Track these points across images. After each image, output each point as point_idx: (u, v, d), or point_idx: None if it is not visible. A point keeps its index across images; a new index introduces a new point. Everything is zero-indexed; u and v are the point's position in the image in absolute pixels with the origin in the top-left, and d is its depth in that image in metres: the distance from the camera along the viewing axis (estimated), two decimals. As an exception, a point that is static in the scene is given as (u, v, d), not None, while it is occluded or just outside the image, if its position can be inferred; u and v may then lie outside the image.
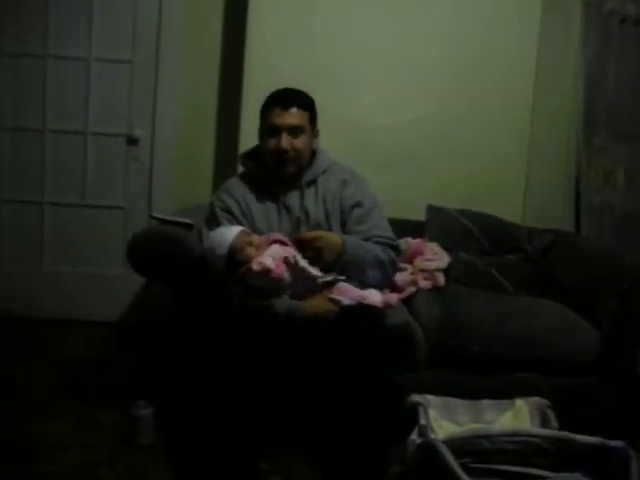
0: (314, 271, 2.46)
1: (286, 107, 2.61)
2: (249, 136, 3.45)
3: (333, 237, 2.53)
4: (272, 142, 2.62)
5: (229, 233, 2.46)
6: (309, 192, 2.67)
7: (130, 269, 3.91)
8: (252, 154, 2.77)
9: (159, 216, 2.75)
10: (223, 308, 2.43)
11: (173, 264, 2.51)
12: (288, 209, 2.65)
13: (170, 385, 2.80)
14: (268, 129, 2.64)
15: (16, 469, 2.42)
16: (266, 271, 2.38)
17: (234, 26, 3.81)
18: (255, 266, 2.38)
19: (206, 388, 2.34)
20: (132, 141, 3.96)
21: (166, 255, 2.52)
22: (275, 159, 2.62)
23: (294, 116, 2.61)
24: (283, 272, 2.40)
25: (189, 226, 2.71)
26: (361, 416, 2.25)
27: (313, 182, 2.69)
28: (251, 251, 2.43)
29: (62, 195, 4.06)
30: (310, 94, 2.73)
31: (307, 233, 2.52)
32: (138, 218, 3.96)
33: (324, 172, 2.71)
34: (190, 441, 2.60)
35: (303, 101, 2.66)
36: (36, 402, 2.96)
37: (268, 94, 2.70)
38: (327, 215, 2.65)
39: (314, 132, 2.72)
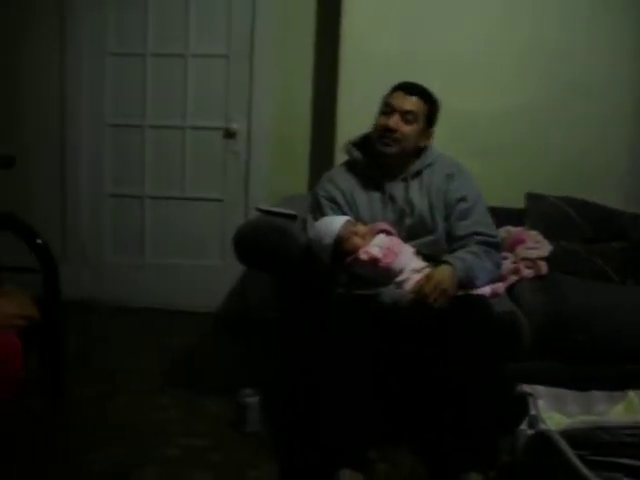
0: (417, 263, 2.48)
1: (408, 93, 2.66)
2: (345, 127, 3.51)
3: (442, 273, 2.44)
4: (383, 119, 2.66)
5: (335, 222, 2.49)
6: (414, 184, 2.67)
7: (227, 260, 4.06)
8: (358, 143, 2.78)
9: (263, 208, 2.79)
10: (328, 297, 2.46)
11: (278, 255, 2.55)
12: (393, 200, 2.65)
13: (275, 373, 2.85)
14: (384, 107, 2.68)
15: (137, 452, 2.53)
16: (374, 260, 2.40)
17: (328, 16, 3.81)
18: (363, 255, 2.41)
19: (313, 377, 2.38)
20: (229, 134, 4.03)
21: (272, 246, 2.56)
22: (380, 135, 2.65)
23: (411, 102, 2.64)
24: (391, 261, 2.41)
25: (293, 217, 2.75)
26: (470, 405, 2.25)
27: (418, 174, 2.69)
28: (357, 241, 2.45)
29: (162, 188, 4.18)
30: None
31: (426, 289, 2.40)
32: (236, 210, 4.05)
33: (430, 165, 2.71)
34: (296, 429, 2.64)
35: (426, 95, 2.69)
36: (145, 391, 3.06)
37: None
38: (431, 208, 2.64)
39: (428, 129, 2.71)
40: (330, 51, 3.73)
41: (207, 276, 4.13)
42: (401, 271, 2.44)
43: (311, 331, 2.48)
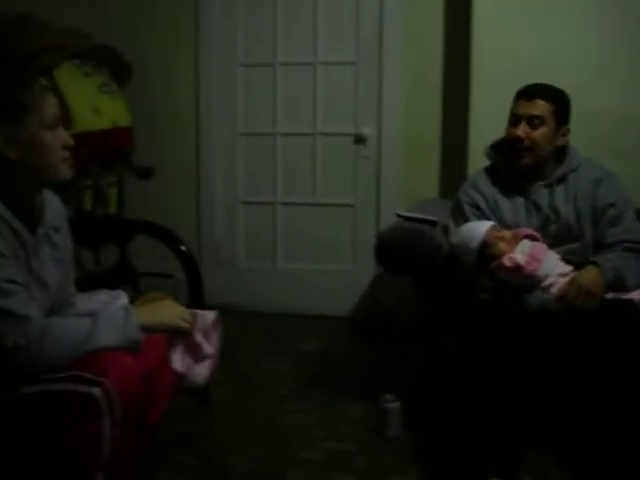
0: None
1: (529, 98, 2.59)
2: (479, 130, 3.46)
3: (587, 275, 2.39)
4: (511, 130, 2.62)
5: (480, 228, 2.47)
6: (559, 190, 2.60)
7: (359, 264, 4.08)
8: (499, 146, 2.74)
9: (404, 214, 2.80)
10: (472, 302, 2.44)
11: (421, 261, 2.54)
12: (537, 206, 2.60)
13: (415, 378, 2.84)
14: (510, 119, 2.64)
15: (281, 455, 2.59)
16: (517, 267, 2.36)
17: (457, 20, 3.79)
18: (507, 262, 2.38)
19: (458, 383, 2.36)
20: (360, 140, 4.05)
21: (415, 252, 2.56)
22: (511, 148, 2.61)
23: (535, 107, 2.58)
24: (534, 269, 2.37)
25: (433, 222, 2.74)
26: (624, 414, 2.17)
27: (563, 179, 2.62)
28: (502, 246, 2.42)
29: (293, 195, 4.25)
30: (541, 81, 2.68)
31: (570, 294, 2.36)
32: (367, 215, 4.08)
33: (575, 169, 2.62)
34: (440, 435, 2.63)
35: (549, 94, 2.61)
36: (283, 395, 3.11)
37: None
38: (578, 214, 2.56)
39: (560, 128, 2.62)
40: (460, 52, 3.68)
41: (338, 281, 4.17)
42: (546, 276, 2.39)
43: (454, 336, 2.46)
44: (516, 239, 2.45)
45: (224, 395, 3.08)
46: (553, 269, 2.42)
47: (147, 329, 1.84)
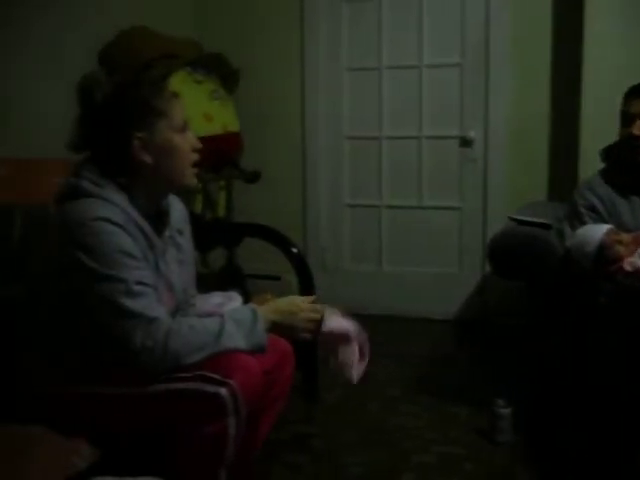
0: None
1: None
2: (590, 130, 3.41)
3: None
4: (625, 131, 2.58)
5: (598, 231, 2.42)
6: None
7: (465, 268, 4.05)
8: (612, 149, 2.70)
9: (517, 217, 2.77)
10: (590, 307, 2.39)
11: (537, 265, 2.51)
12: None
13: (527, 382, 2.81)
14: (622, 118, 2.60)
15: (394, 457, 2.60)
16: (638, 272, 2.30)
17: (566, 17, 3.72)
18: (627, 266, 2.32)
19: (575, 386, 2.32)
20: (466, 142, 4.03)
21: (530, 256, 2.52)
22: (626, 147, 2.57)
23: None
24: None
25: (547, 226, 2.70)
26: None
27: None
28: (621, 249, 2.37)
29: (399, 198, 4.25)
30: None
31: None
32: (474, 218, 4.04)
33: None
34: (549, 439, 2.58)
35: None
36: (392, 397, 3.12)
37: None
38: None
39: None
40: (569, 52, 3.62)
41: (444, 284, 4.15)
42: None
43: (567, 339, 2.42)
44: (636, 242, 2.39)
45: (334, 397, 3.12)
46: None
47: (273, 330, 1.87)
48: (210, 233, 3.57)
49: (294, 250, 2.94)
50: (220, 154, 3.73)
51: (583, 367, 2.31)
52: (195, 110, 3.61)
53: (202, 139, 3.54)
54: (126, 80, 1.88)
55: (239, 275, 3.99)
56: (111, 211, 1.73)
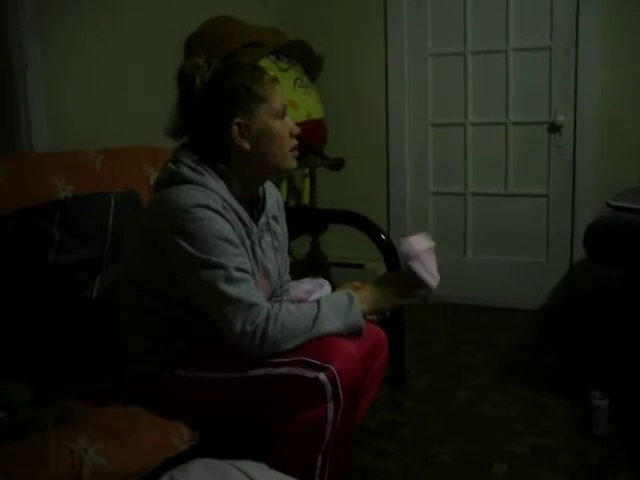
0: None
1: None
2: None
3: None
4: None
5: None
6: None
7: (553, 256, 3.97)
8: None
9: (615, 203, 2.68)
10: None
11: (636, 252, 2.42)
12: None
13: (618, 373, 2.73)
14: None
15: (484, 447, 2.57)
16: None
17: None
18: None
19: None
20: (554, 128, 3.92)
21: (629, 243, 2.44)
22: None
23: None
24: None
25: (647, 213, 2.61)
26: None
27: None
28: None
29: (484, 185, 4.18)
30: None
31: None
32: (562, 206, 3.94)
33: None
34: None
35: None
36: (480, 386, 3.08)
37: None
38: None
39: None
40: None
41: (531, 273, 4.06)
42: None
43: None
44: None
45: (422, 385, 3.11)
46: None
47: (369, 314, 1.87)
48: (295, 220, 3.57)
49: (383, 237, 2.92)
50: (305, 142, 3.72)
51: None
52: (280, 98, 3.63)
53: (287, 127, 3.63)
54: (226, 65, 1.88)
55: (324, 263, 3.99)
56: (210, 198, 1.74)
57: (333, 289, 3.01)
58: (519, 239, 4.10)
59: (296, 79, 3.80)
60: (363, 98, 4.33)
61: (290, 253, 4.49)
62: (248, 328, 1.69)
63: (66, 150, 2.58)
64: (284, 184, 4.00)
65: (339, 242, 4.09)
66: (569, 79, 3.86)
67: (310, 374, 1.69)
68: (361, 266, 4.19)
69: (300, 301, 2.42)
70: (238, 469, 1.57)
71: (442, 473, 2.40)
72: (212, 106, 1.80)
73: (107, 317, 1.99)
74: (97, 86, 3.02)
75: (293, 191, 4.32)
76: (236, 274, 1.70)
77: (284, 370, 1.72)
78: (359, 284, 2.83)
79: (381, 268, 2.99)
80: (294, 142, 1.88)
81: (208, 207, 1.72)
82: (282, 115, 1.85)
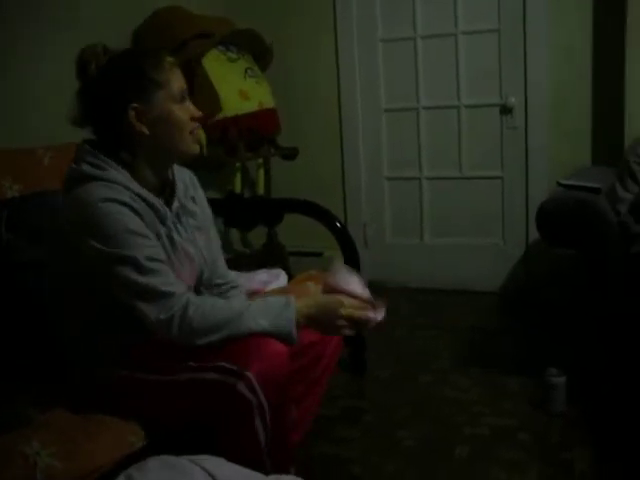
0: None
1: None
2: (636, 92, 3.30)
3: None
4: None
5: None
6: None
7: (509, 238, 4.00)
8: None
9: (565, 182, 2.70)
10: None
11: (587, 230, 2.45)
12: None
13: (579, 353, 2.77)
14: None
15: (446, 430, 2.58)
16: None
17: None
18: None
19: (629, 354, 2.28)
20: (506, 110, 3.94)
21: (580, 222, 2.46)
22: None
23: None
24: None
25: (597, 190, 2.63)
26: None
27: None
28: None
29: (439, 169, 4.19)
30: None
31: None
32: (516, 187, 3.97)
33: None
34: (605, 409, 2.54)
35: None
36: (441, 370, 3.10)
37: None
38: None
39: None
40: (612, 13, 3.51)
41: (488, 255, 4.09)
42: None
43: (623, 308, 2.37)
44: None
45: (383, 371, 3.11)
46: None
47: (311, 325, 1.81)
48: (250, 211, 3.56)
49: (338, 225, 2.91)
50: (257, 132, 3.71)
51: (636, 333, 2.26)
52: (231, 88, 3.59)
53: (238, 117, 3.61)
54: (121, 51, 1.84)
55: (281, 253, 3.97)
56: (115, 191, 1.71)
57: (291, 278, 3.02)
58: (475, 222, 4.12)
59: (246, 69, 3.76)
60: (315, 86, 4.31)
61: (247, 244, 4.49)
62: (162, 317, 1.67)
63: (12, 148, 2.52)
64: (238, 175, 3.97)
65: (298, 231, 4.06)
66: (519, 61, 3.87)
67: (230, 381, 1.65)
68: (320, 254, 4.18)
69: (256, 292, 2.41)
70: (195, 463, 1.55)
71: (404, 458, 2.41)
72: (107, 92, 1.77)
73: (55, 317, 1.95)
74: (40, 80, 2.94)
75: (248, 182, 4.29)
76: (148, 264, 1.68)
77: (206, 375, 1.69)
78: (315, 272, 2.83)
79: (339, 255, 2.99)
80: (194, 125, 1.84)
81: (113, 200, 1.69)
82: (182, 99, 1.82)
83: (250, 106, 3.64)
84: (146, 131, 1.77)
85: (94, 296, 1.80)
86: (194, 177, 2.05)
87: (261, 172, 4.09)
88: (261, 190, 4.10)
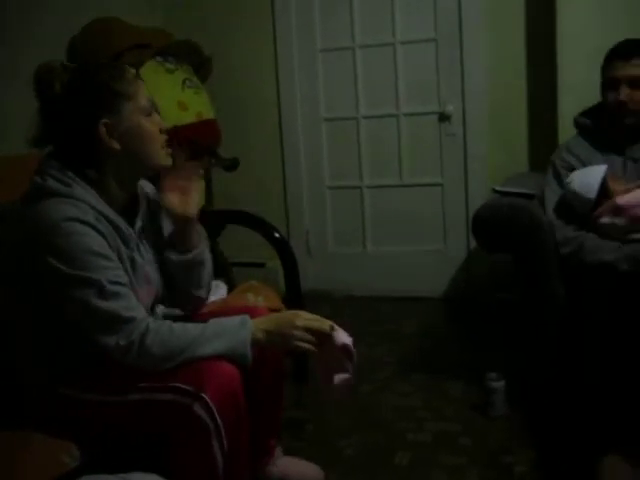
0: None
1: (626, 58, 2.51)
2: (568, 98, 3.37)
3: None
4: (611, 95, 2.55)
5: (595, 174, 2.44)
6: None
7: (450, 244, 4.04)
8: (590, 111, 2.71)
9: (500, 188, 2.74)
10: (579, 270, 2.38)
11: (521, 235, 2.47)
12: (635, 162, 2.56)
13: (518, 356, 2.79)
14: (607, 82, 2.57)
15: (388, 438, 2.58)
16: (631, 207, 2.36)
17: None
18: (619, 201, 2.36)
19: (565, 356, 2.31)
20: (444, 117, 3.99)
21: (513, 227, 2.49)
22: (614, 112, 2.55)
23: (635, 67, 2.50)
24: None
25: (530, 196, 2.67)
26: None
27: None
28: (617, 187, 2.42)
29: (380, 177, 4.22)
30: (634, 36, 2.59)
31: None
32: (456, 193, 4.01)
33: None
34: (545, 412, 2.57)
35: None
36: (384, 378, 3.11)
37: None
38: None
39: None
40: (544, 18, 3.57)
41: (431, 261, 4.12)
42: None
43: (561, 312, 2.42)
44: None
45: (325, 380, 3.09)
46: None
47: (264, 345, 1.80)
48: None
49: (276, 235, 2.90)
50: (197, 143, 3.68)
51: (575, 338, 2.29)
52: (169, 99, 3.56)
53: (177, 128, 3.57)
54: (85, 66, 1.82)
55: (224, 264, 3.95)
56: (80, 210, 1.68)
57: (232, 289, 3.00)
58: (417, 229, 4.15)
59: (185, 80, 3.73)
60: (255, 97, 4.31)
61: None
62: (122, 343, 1.64)
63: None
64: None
65: (241, 241, 4.04)
66: (456, 69, 3.93)
67: (186, 401, 1.64)
68: (262, 265, 4.17)
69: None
70: (126, 482, 1.53)
71: (346, 467, 2.40)
72: (76, 109, 1.73)
73: None
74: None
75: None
76: (111, 288, 1.65)
77: (160, 396, 1.67)
78: (256, 283, 2.82)
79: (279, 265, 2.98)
80: (164, 138, 1.83)
81: (78, 220, 1.65)
82: (149, 112, 1.80)
83: (188, 117, 3.61)
84: (117, 146, 1.75)
85: (43, 314, 1.75)
86: (158, 194, 2.00)
87: (202, 183, 4.05)
88: (202, 202, 4.06)
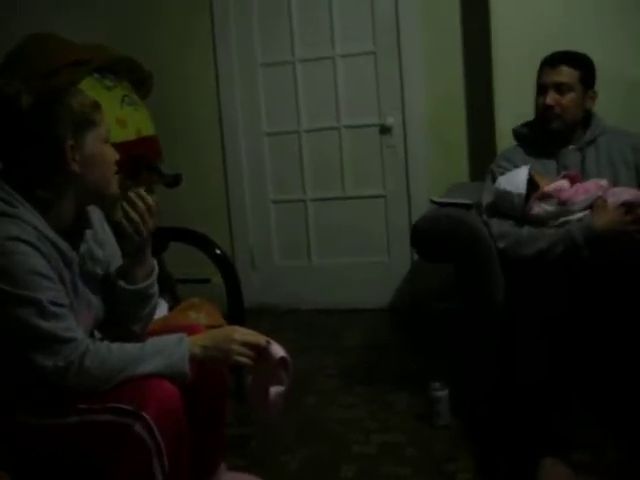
0: None
1: (554, 65, 2.65)
2: (505, 109, 3.42)
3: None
4: (540, 100, 2.68)
5: (521, 172, 2.51)
6: (590, 152, 2.67)
7: (394, 255, 4.07)
8: (529, 122, 2.81)
9: (438, 200, 2.77)
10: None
11: (460, 245, 2.50)
12: (565, 168, 2.65)
13: (461, 365, 2.82)
14: (537, 88, 2.70)
15: (333, 450, 2.57)
16: (557, 192, 2.45)
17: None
18: (547, 188, 2.45)
19: (505, 363, 2.34)
20: (385, 130, 4.03)
21: (452, 237, 2.51)
22: (541, 116, 2.68)
23: (561, 73, 2.64)
24: (573, 194, 2.45)
25: (468, 206, 2.71)
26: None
27: (593, 142, 2.68)
28: (543, 181, 2.50)
29: (323, 190, 4.24)
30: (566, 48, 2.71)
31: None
32: (399, 204, 4.05)
33: (604, 133, 2.69)
34: (491, 420, 2.59)
35: (574, 60, 2.66)
36: (329, 390, 3.11)
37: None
38: (615, 177, 2.60)
39: (587, 92, 2.68)
40: (480, 29, 3.63)
41: (375, 272, 4.15)
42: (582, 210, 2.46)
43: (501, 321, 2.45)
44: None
45: (270, 395, 3.07)
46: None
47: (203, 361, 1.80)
48: (134, 241, 3.48)
49: (217, 251, 2.90)
50: (137, 160, 3.65)
51: (516, 346, 2.33)
52: (107, 116, 3.50)
53: (117, 145, 3.50)
54: (54, 88, 1.80)
55: (169, 280, 3.91)
56: (23, 230, 1.66)
57: (176, 305, 2.97)
58: (361, 240, 4.18)
59: (124, 96, 3.68)
60: (196, 112, 4.30)
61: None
62: (61, 364, 1.62)
63: None
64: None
65: (187, 257, 4.01)
66: (395, 81, 3.98)
67: (127, 421, 1.62)
68: (208, 281, 4.14)
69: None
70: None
71: (291, 482, 2.40)
72: (46, 128, 1.72)
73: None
74: None
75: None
76: (51, 308, 1.63)
77: (99, 417, 1.65)
78: (197, 300, 2.80)
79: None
80: (115, 167, 1.85)
81: (21, 240, 1.63)
82: (107, 140, 1.83)
83: (127, 134, 3.56)
84: (77, 169, 1.74)
85: None
86: (103, 217, 2.02)
87: (155, 198, 4.02)
88: (158, 220, 4.02)
